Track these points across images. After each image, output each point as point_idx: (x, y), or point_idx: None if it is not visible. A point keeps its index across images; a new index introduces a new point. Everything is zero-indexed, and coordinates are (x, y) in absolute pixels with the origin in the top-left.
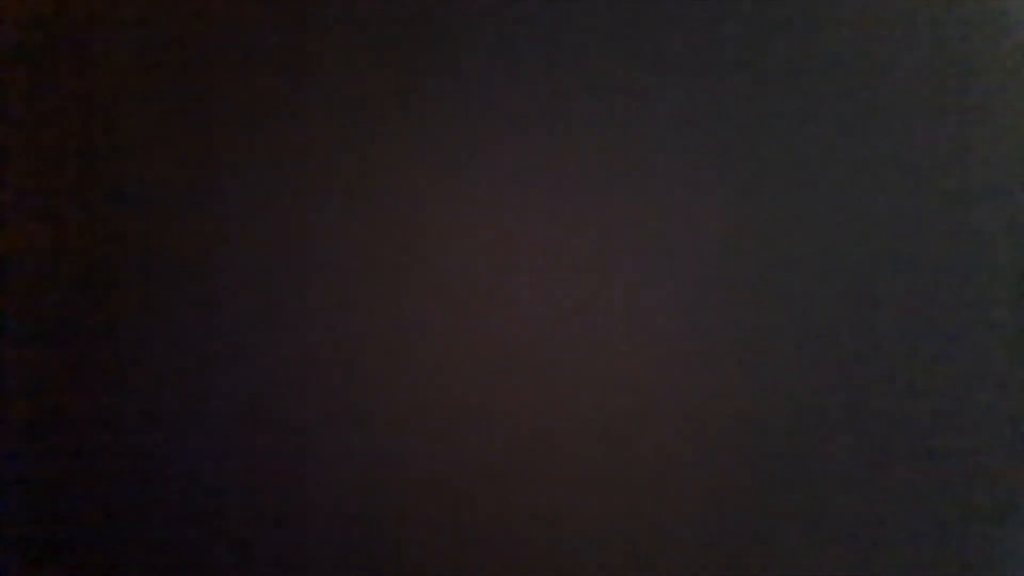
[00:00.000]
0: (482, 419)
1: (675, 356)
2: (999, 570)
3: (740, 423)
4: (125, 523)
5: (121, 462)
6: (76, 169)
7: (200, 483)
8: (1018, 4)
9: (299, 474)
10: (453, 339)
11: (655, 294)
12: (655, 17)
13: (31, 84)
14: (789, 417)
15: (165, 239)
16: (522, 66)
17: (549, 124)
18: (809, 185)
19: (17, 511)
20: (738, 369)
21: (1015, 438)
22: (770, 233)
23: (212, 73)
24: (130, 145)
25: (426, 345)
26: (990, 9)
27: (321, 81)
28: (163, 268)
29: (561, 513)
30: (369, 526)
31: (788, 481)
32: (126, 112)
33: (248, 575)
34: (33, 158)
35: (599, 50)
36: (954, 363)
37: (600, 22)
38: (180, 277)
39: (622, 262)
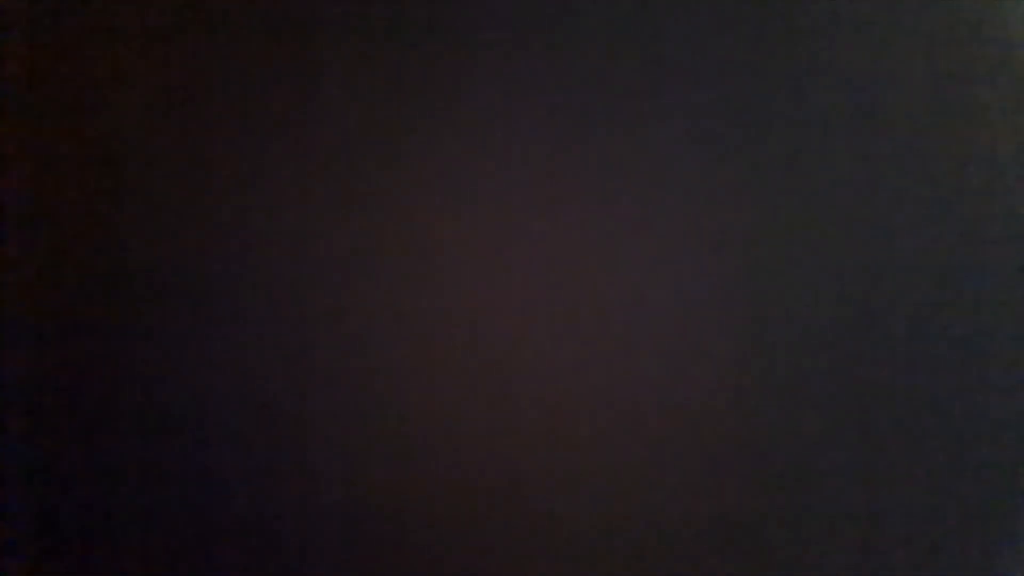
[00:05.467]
0: (482, 419)
1: (678, 356)
2: (999, 570)
3: (740, 423)
4: (126, 523)
5: (122, 463)
6: (76, 169)
7: (202, 484)
8: (1018, 4)
9: (301, 476)
10: (454, 339)
11: (657, 294)
12: (658, 16)
13: (31, 84)
14: (789, 417)
15: (167, 239)
16: (524, 66)
17: (551, 125)
18: (810, 185)
19: (17, 511)
20: (738, 369)
21: (1015, 438)
22: (770, 233)
23: (214, 73)
24: (131, 145)
25: (428, 345)
26: (990, 9)
27: (323, 82)
28: (165, 268)
29: (561, 512)
30: (370, 525)
31: (788, 480)
32: (127, 112)
33: (251, 574)
34: (33, 159)
35: (601, 51)
36: (954, 363)
37: (603, 23)
38: (182, 278)
39: (624, 262)
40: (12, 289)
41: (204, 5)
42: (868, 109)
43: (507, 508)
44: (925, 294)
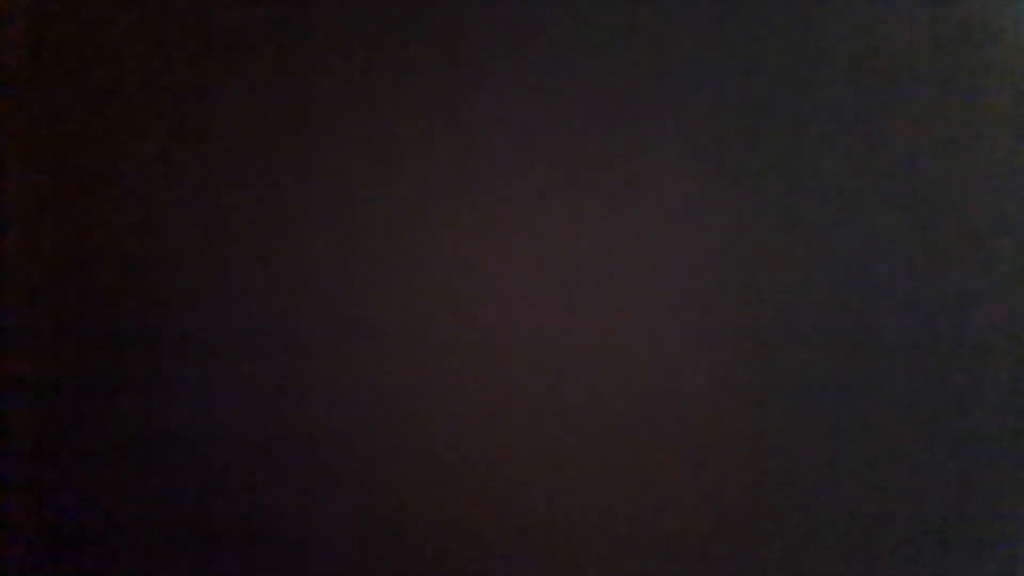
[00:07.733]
0: (482, 419)
1: (677, 355)
2: (999, 569)
3: (740, 423)
4: (126, 525)
5: (122, 463)
6: (76, 170)
7: (202, 483)
8: (1018, 4)
9: (300, 476)
10: (454, 339)
11: (658, 293)
12: (656, 16)
13: (31, 85)
14: (789, 417)
15: (167, 239)
16: (523, 67)
17: (550, 123)
18: (810, 186)
19: (17, 511)
20: (737, 369)
21: (1015, 438)
22: (770, 233)
23: (213, 73)
24: (131, 145)
25: (428, 345)
26: (990, 9)
27: (323, 81)
28: (164, 269)
29: (561, 511)
30: (370, 523)
31: (788, 480)
32: (126, 112)
33: (251, 572)
34: (33, 159)
35: (601, 52)
36: (954, 363)
37: (602, 23)
38: (181, 277)
39: (624, 262)
40: (12, 289)
41: (205, 4)
42: (868, 111)
43: (507, 508)
44: (925, 294)
